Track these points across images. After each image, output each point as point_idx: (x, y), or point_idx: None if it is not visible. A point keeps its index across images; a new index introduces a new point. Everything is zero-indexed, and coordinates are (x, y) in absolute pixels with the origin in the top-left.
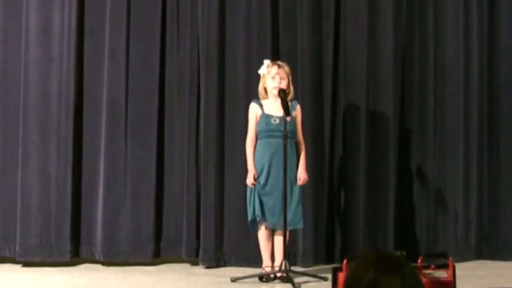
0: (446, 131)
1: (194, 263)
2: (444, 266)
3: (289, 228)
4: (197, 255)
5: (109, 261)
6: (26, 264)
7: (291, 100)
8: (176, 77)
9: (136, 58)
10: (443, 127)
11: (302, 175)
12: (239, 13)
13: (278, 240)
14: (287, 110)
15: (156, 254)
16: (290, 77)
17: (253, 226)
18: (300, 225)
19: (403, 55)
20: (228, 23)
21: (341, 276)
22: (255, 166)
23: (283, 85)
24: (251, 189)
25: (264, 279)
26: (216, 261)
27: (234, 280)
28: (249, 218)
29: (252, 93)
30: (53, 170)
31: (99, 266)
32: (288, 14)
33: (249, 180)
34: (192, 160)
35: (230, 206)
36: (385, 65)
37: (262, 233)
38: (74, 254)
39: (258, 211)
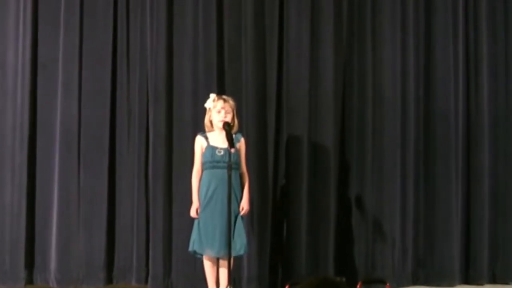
0: (384, 161)
1: None
2: None
3: (232, 254)
4: (146, 281)
5: None
6: None
7: (235, 133)
8: (126, 110)
9: (88, 92)
10: (381, 157)
11: (245, 206)
12: (186, 49)
13: (223, 267)
14: (231, 142)
15: (108, 281)
16: (234, 111)
17: (195, 254)
18: (242, 252)
19: (343, 88)
20: (175, 58)
21: None
22: (199, 197)
23: (228, 119)
24: (197, 220)
25: None
26: (165, 287)
27: None
28: (190, 247)
29: (199, 126)
30: (7, 199)
31: None
32: (233, 49)
33: (192, 212)
34: (142, 191)
35: (178, 235)
36: (326, 98)
37: (207, 261)
38: (28, 281)
39: (196, 244)
